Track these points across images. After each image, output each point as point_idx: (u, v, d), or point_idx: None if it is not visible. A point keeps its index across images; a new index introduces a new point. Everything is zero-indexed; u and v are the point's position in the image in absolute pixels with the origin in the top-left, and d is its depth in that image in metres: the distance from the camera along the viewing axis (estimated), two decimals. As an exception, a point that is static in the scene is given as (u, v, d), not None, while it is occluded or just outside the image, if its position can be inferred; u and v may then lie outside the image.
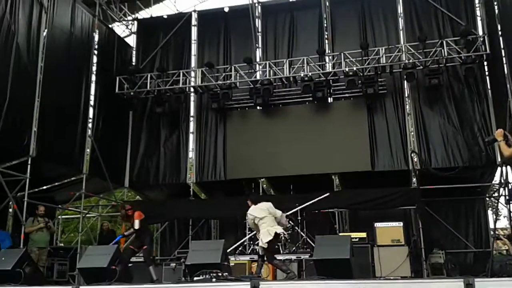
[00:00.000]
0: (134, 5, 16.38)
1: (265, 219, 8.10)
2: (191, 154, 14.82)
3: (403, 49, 12.77)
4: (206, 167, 14.35)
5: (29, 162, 11.05)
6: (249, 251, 10.93)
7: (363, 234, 10.60)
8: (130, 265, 8.84)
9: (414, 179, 12.85)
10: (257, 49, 14.61)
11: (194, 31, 15.48)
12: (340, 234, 12.31)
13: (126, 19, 16.39)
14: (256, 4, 14.82)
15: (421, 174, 12.69)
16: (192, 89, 14.46)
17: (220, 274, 6.32)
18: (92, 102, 13.83)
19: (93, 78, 14.01)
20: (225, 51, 14.99)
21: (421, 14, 13.64)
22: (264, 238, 7.92)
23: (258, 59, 14.36)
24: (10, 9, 10.83)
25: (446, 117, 12.86)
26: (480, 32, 12.89)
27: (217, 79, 13.90)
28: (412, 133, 13.16)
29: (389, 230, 10.54)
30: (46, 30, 12.00)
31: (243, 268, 9.74)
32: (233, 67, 13.81)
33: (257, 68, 13.88)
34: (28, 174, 10.96)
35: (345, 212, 13.84)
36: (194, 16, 15.54)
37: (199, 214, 14.12)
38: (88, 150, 13.54)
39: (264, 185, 15.35)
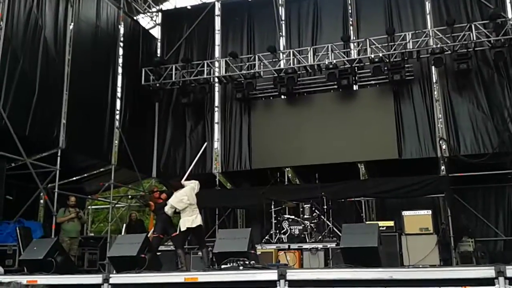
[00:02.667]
0: (158, -4, 16.49)
1: (186, 209, 8.61)
2: (216, 144, 14.90)
3: (431, 34, 12.51)
4: (232, 157, 14.42)
5: (59, 154, 11.29)
6: (275, 240, 10.97)
7: (391, 223, 10.53)
8: (158, 253, 8.96)
9: (443, 167, 12.63)
10: (281, 38, 14.53)
11: (217, 21, 15.49)
12: (367, 222, 12.23)
13: (150, 10, 16.49)
14: (280, -8, 14.74)
15: (450, 162, 12.47)
16: (216, 79, 14.49)
17: (247, 262, 6.36)
18: (119, 94, 14.03)
19: (120, 70, 14.19)
20: (248, 40, 14.95)
21: (448, -2, 13.33)
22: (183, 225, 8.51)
23: (282, 48, 14.28)
24: (37, 3, 11.02)
25: (475, 103, 12.58)
26: (510, 15, 12.49)
27: (241, 68, 13.90)
28: (440, 119, 12.91)
29: (417, 218, 10.42)
30: (72, 24, 12.19)
31: (269, 256, 9.79)
32: (256, 57, 13.77)
33: (281, 57, 13.81)
34: (58, 166, 11.21)
35: (371, 201, 13.73)
36: (218, 6, 15.54)
37: (225, 203, 14.21)
38: (116, 141, 13.74)
39: (289, 174, 15.33)
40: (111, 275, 5.87)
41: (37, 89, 10.79)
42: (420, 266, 9.16)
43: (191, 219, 8.54)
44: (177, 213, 8.90)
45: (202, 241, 9.15)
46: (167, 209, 8.77)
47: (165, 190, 10.18)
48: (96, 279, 5.95)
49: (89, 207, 16.15)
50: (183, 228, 8.56)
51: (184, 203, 8.62)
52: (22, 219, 10.96)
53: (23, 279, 6.30)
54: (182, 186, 8.99)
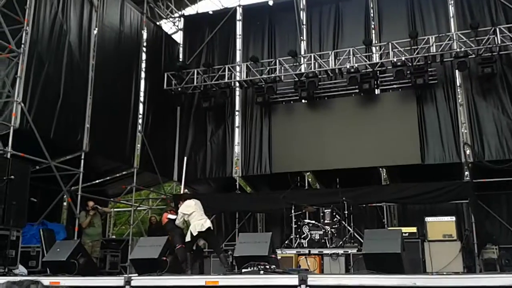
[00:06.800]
0: (181, 1, 16.64)
1: (194, 214, 8.84)
2: (236, 148, 14.93)
3: (454, 37, 12.33)
4: (252, 161, 14.43)
5: (83, 157, 11.47)
6: (295, 245, 10.91)
7: (413, 229, 10.39)
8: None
9: (467, 172, 12.43)
10: (302, 42, 14.52)
11: (239, 25, 15.57)
12: (389, 228, 12.09)
13: (173, 16, 16.67)
14: (301, -4, 14.75)
15: (474, 167, 12.26)
16: (237, 84, 14.54)
17: (268, 266, 6.33)
18: (141, 98, 14.18)
19: (142, 74, 14.35)
20: (269, 44, 14.98)
21: (472, 1, 13.14)
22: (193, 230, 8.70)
23: (303, 52, 14.27)
24: (62, 8, 11.23)
25: (500, 107, 12.35)
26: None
27: (261, 73, 13.91)
28: (465, 124, 12.72)
29: (441, 224, 10.28)
30: (96, 29, 12.38)
31: (289, 261, 9.73)
32: (277, 61, 13.78)
33: (302, 61, 13.78)
34: (82, 169, 11.37)
35: (393, 206, 13.58)
36: (239, 10, 15.64)
37: (245, 207, 14.23)
38: (138, 145, 13.89)
39: (310, 179, 15.27)
40: (133, 277, 5.89)
41: (62, 93, 10.98)
42: (444, 273, 9.03)
43: (200, 223, 8.74)
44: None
45: (216, 246, 9.25)
46: (178, 220, 9.08)
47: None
48: (118, 281, 5.97)
49: (112, 209, 16.33)
50: (194, 233, 8.70)
51: (192, 207, 8.91)
52: (46, 221, 11.15)
53: (46, 280, 6.39)
54: (189, 198, 9.40)
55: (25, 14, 10.19)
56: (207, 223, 8.80)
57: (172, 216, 9.59)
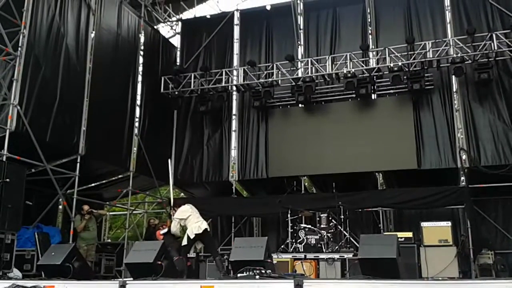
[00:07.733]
0: (178, 6, 16.68)
1: (190, 217, 8.87)
2: (233, 152, 14.92)
3: (451, 43, 12.39)
4: (248, 165, 14.44)
5: (78, 160, 11.44)
6: (291, 249, 10.90)
7: (409, 234, 10.40)
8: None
9: (463, 178, 12.46)
10: (299, 46, 14.56)
11: (236, 30, 15.60)
12: (385, 233, 12.09)
13: (170, 20, 16.71)
14: (298, 1, 14.79)
15: (470, 172, 12.29)
16: (234, 88, 14.56)
17: (263, 271, 6.31)
18: (138, 102, 14.17)
19: (139, 78, 14.35)
20: (267, 49, 15.01)
21: (469, 7, 13.20)
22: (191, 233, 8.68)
23: (300, 57, 14.30)
24: (60, 11, 11.23)
25: (496, 113, 12.40)
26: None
27: (259, 77, 13.93)
28: (461, 129, 12.76)
29: (437, 230, 10.30)
30: (94, 32, 12.38)
31: (285, 266, 9.72)
32: (275, 65, 13.81)
33: (299, 66, 13.81)
34: (77, 172, 11.34)
35: (389, 211, 13.58)
36: (237, 15, 15.66)
37: (241, 211, 14.20)
38: (134, 148, 13.87)
39: (306, 183, 15.27)
40: (127, 282, 5.87)
41: (58, 96, 10.96)
42: (440, 278, 9.03)
43: (197, 226, 8.76)
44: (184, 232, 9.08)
45: (213, 248, 9.25)
46: (173, 227, 9.04)
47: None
48: (113, 285, 5.96)
49: (107, 213, 16.29)
50: (192, 236, 8.68)
51: (188, 211, 8.95)
52: (41, 225, 11.11)
53: (41, 284, 6.35)
54: (182, 204, 9.38)
55: (22, 17, 10.19)
56: (203, 225, 8.83)
57: (165, 230, 9.58)
